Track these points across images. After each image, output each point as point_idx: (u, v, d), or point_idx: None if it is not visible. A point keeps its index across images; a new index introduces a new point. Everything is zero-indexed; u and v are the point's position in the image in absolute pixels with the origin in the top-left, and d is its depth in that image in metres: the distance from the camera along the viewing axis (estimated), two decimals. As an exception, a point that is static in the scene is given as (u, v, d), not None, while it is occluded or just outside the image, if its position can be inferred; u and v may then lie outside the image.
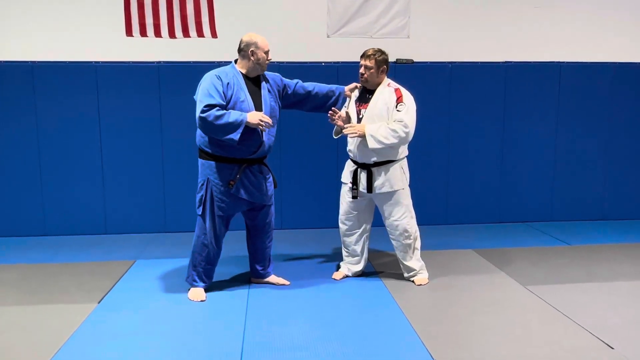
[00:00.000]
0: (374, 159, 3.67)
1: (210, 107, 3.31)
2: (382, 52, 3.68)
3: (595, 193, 5.73)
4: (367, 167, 3.72)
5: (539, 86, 5.50)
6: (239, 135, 3.33)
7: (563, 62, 5.51)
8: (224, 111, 3.34)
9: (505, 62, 5.47)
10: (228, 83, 3.43)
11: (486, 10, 5.49)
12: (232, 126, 3.32)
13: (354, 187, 3.77)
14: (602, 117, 5.61)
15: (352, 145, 3.77)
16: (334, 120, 3.70)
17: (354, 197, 3.79)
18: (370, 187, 3.71)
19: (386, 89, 3.67)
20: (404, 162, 3.79)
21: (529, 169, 5.61)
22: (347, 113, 3.76)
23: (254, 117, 3.37)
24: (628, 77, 5.58)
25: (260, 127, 3.40)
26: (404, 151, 3.76)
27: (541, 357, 2.79)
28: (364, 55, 3.67)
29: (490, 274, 4.06)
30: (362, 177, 3.74)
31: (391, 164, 3.70)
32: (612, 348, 2.87)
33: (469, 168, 5.53)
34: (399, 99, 3.61)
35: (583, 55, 5.58)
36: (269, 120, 3.42)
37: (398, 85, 3.71)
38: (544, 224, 5.56)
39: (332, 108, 3.72)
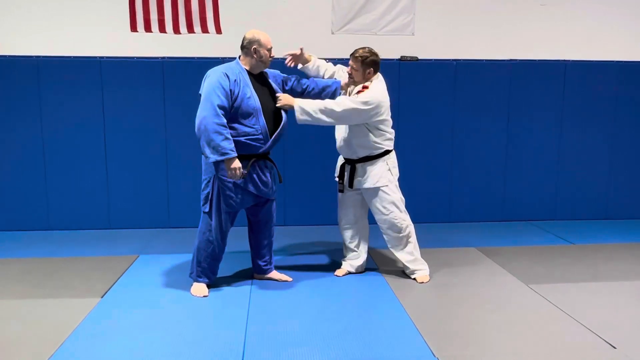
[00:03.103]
0: (355, 155, 3.72)
1: (221, 108, 3.31)
2: (371, 54, 3.67)
3: (600, 192, 5.71)
4: (352, 163, 3.75)
5: (544, 84, 5.48)
6: (213, 159, 3.32)
7: (568, 61, 5.49)
8: (226, 133, 3.30)
9: (511, 60, 5.45)
10: (235, 80, 3.43)
11: (491, 7, 5.47)
12: (217, 150, 3.29)
13: (340, 181, 3.83)
14: (607, 116, 5.59)
15: (339, 141, 3.83)
16: (289, 62, 3.84)
17: (340, 191, 3.88)
18: (351, 182, 3.77)
19: (359, 88, 3.69)
20: (390, 158, 3.80)
21: (533, 167, 5.60)
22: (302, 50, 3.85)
23: (233, 166, 3.34)
24: (633, 75, 5.55)
25: (234, 177, 3.38)
26: (386, 145, 3.75)
27: (543, 356, 2.79)
28: (353, 56, 3.69)
29: (493, 272, 4.06)
30: (347, 172, 3.80)
31: (375, 160, 3.73)
32: (615, 347, 2.87)
33: (472, 166, 5.52)
34: (359, 92, 3.63)
35: (588, 54, 5.55)
36: (241, 177, 3.40)
37: (374, 85, 3.67)
38: (547, 223, 5.55)
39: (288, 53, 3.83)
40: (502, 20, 5.49)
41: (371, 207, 3.84)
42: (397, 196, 3.79)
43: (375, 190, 3.75)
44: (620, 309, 3.37)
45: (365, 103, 3.56)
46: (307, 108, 3.55)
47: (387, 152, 3.78)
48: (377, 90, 3.65)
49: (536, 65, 5.45)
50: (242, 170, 3.39)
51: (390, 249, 3.91)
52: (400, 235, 3.81)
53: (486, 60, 5.42)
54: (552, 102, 5.52)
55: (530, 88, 5.47)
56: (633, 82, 5.56)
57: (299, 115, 3.56)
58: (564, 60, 5.49)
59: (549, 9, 5.51)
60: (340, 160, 3.92)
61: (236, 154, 3.34)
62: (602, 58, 5.54)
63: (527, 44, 5.52)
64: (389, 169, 3.77)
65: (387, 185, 3.75)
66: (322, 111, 3.54)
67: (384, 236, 3.88)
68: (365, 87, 3.66)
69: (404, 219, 3.81)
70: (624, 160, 5.68)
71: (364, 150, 3.72)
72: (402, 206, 3.82)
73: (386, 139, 3.75)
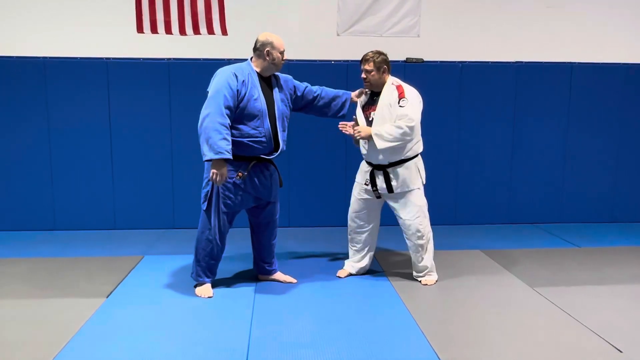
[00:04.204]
0: (387, 160, 3.66)
1: (227, 108, 3.32)
2: (380, 54, 3.67)
3: (605, 195, 5.68)
4: (383, 168, 3.71)
5: (549, 86, 5.47)
6: (208, 157, 3.30)
7: (574, 63, 5.47)
8: (225, 133, 3.30)
9: (516, 62, 5.44)
10: (243, 80, 3.44)
11: (497, 9, 5.46)
12: (212, 148, 3.27)
13: (374, 188, 3.75)
14: (613, 119, 5.57)
15: (365, 147, 3.77)
16: (346, 131, 3.73)
17: (377, 197, 3.80)
18: (389, 187, 3.70)
19: (389, 87, 3.67)
20: (419, 160, 3.77)
21: (539, 169, 5.58)
22: (355, 119, 3.78)
23: (218, 169, 3.32)
24: (640, 78, 5.54)
25: (214, 181, 3.37)
26: (417, 148, 3.73)
27: (548, 359, 2.78)
28: (363, 60, 3.67)
29: (498, 274, 4.04)
30: (379, 178, 3.73)
31: (406, 163, 3.68)
32: (621, 351, 2.85)
33: (478, 168, 5.51)
34: (401, 95, 3.60)
35: (595, 56, 5.53)
36: (220, 182, 3.38)
37: (400, 82, 3.70)
38: (553, 226, 5.53)
39: (341, 122, 3.76)
40: (507, 22, 5.48)
41: (397, 210, 3.77)
42: (424, 201, 3.77)
43: (405, 194, 3.71)
44: (626, 313, 3.36)
45: (419, 103, 3.64)
46: (385, 135, 3.54)
47: (416, 154, 3.75)
48: (409, 86, 3.68)
49: (542, 68, 5.44)
50: (224, 177, 3.36)
51: (411, 253, 3.86)
52: (422, 242, 3.77)
53: (492, 62, 5.41)
54: (558, 105, 5.50)
55: (536, 90, 5.46)
56: (639, 85, 5.53)
57: (379, 145, 3.56)
58: (570, 63, 5.47)
59: (555, 11, 5.50)
60: (365, 166, 3.84)
61: (230, 156, 3.31)
62: (608, 60, 5.52)
63: (533, 46, 5.51)
64: (419, 172, 3.75)
65: (418, 188, 3.73)
66: (401, 132, 3.53)
67: (407, 241, 3.83)
68: (399, 87, 3.63)
69: (427, 225, 3.78)
70: (631, 162, 5.65)
71: (398, 156, 3.66)
72: (427, 212, 3.79)
73: (418, 141, 3.73)
